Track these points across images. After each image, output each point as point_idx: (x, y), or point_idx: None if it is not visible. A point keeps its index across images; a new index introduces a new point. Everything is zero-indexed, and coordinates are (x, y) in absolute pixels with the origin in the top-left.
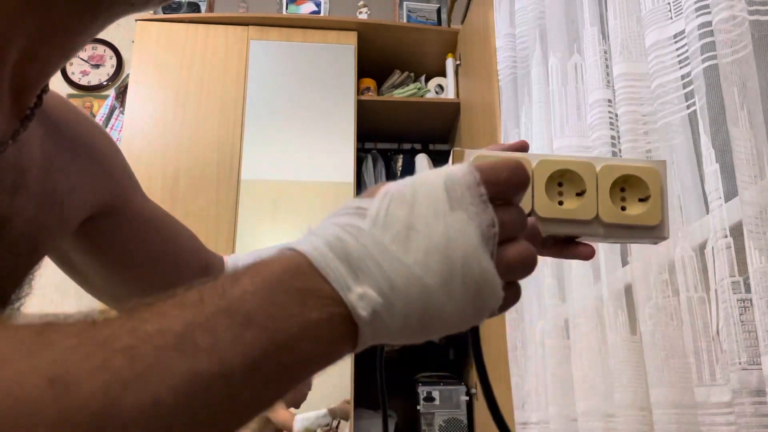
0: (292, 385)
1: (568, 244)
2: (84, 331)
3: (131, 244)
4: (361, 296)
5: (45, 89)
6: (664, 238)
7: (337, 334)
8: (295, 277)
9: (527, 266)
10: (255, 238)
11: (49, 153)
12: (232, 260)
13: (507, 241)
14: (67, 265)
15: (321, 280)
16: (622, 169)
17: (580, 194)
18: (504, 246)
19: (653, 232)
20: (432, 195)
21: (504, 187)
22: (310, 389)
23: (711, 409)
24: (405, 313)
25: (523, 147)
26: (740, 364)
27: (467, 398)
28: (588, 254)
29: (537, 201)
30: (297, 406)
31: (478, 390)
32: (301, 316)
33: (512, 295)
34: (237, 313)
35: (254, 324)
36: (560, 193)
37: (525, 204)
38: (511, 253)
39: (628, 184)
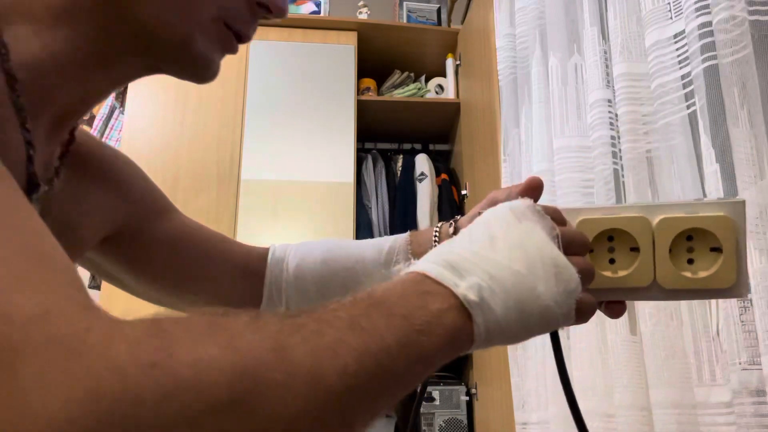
0: (427, 369)
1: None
2: (279, 320)
3: (154, 257)
4: (468, 287)
5: (75, 127)
6: (743, 296)
7: (456, 321)
8: (417, 284)
9: (586, 276)
10: (255, 238)
11: (68, 186)
12: (280, 249)
13: (571, 255)
14: (102, 273)
15: (436, 284)
16: (683, 222)
17: (635, 249)
18: (568, 257)
19: (727, 292)
20: (502, 216)
21: (559, 213)
22: None
23: (711, 409)
24: (504, 298)
25: (536, 186)
26: (740, 364)
27: (467, 398)
28: (619, 313)
29: None
30: None
31: (478, 390)
32: (426, 308)
33: (584, 304)
34: (383, 306)
35: (396, 314)
36: (611, 249)
37: None
38: (573, 262)
39: (695, 232)
